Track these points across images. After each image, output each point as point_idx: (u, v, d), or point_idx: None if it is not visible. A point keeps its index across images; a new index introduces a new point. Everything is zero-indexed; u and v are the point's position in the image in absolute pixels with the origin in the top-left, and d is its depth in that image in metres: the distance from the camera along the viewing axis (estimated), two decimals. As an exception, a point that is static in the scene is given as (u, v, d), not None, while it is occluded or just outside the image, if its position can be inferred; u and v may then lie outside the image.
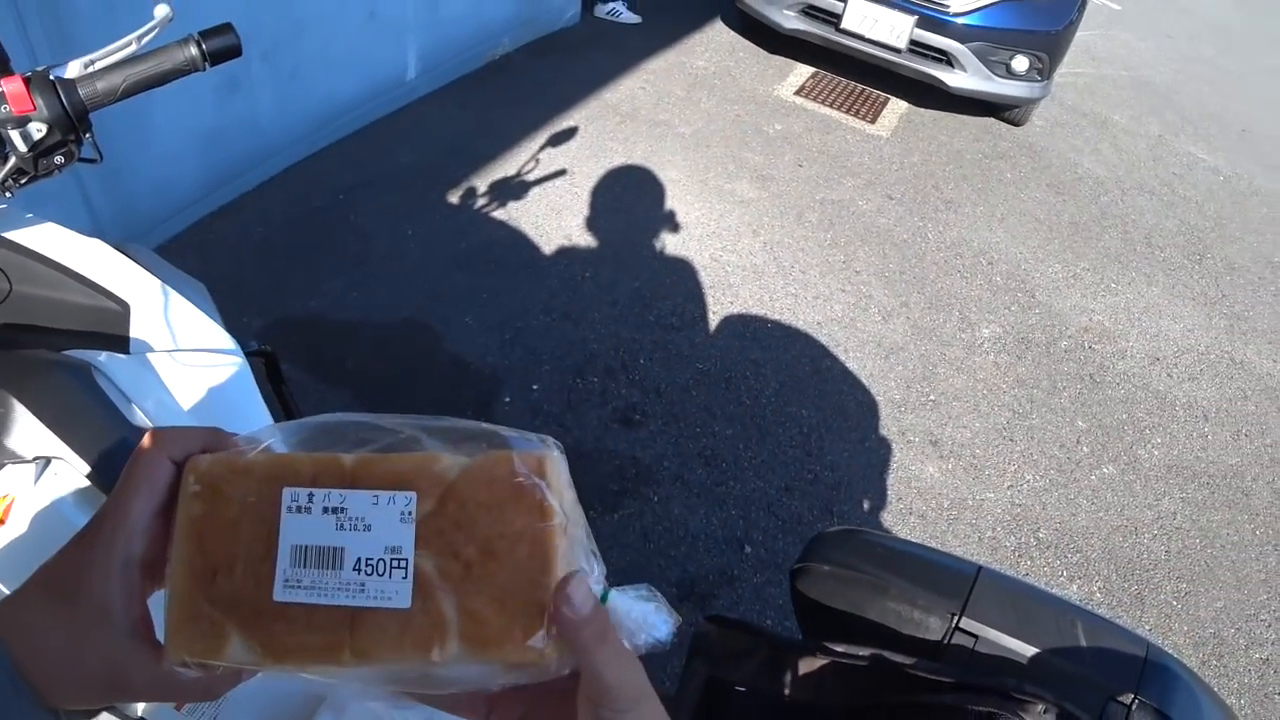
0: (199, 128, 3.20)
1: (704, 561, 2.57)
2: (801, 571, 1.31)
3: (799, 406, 3.12)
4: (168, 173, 3.14)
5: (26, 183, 0.96)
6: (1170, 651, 1.19)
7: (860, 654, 1.14)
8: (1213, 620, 2.81)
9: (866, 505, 2.86)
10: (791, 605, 1.38)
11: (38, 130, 0.90)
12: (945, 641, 1.20)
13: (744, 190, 4.21)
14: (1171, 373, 3.77)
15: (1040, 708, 1.02)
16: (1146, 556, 2.96)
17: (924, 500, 2.93)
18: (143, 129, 2.95)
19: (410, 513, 0.48)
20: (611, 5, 5.52)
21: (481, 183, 3.85)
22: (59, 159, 0.95)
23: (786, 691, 1.18)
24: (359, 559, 0.47)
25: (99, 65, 0.95)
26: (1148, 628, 2.73)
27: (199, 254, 3.19)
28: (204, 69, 0.98)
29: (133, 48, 0.96)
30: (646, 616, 0.51)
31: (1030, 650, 1.16)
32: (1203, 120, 6.57)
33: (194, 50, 0.99)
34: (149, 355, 1.08)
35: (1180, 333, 4.04)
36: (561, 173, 4.01)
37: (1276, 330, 4.27)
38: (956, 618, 1.20)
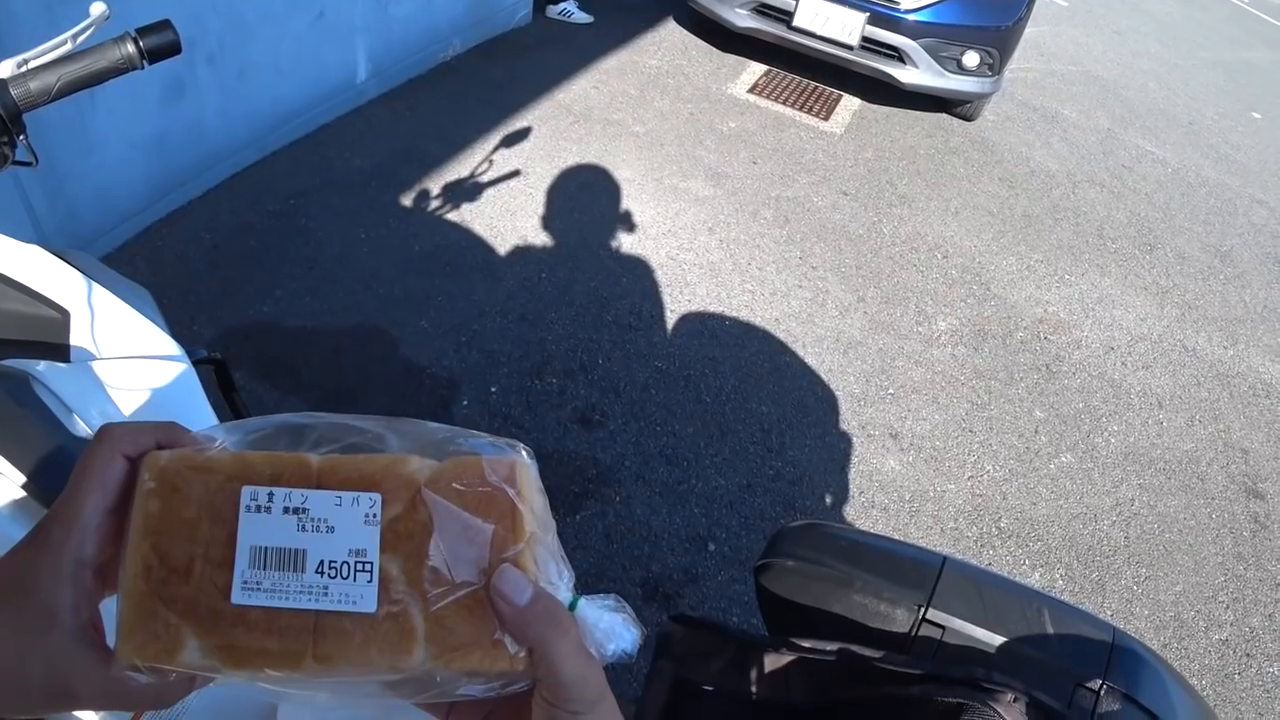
0: (143, 133, 3.13)
1: (668, 560, 2.55)
2: (765, 568, 1.30)
3: (759, 403, 3.11)
4: (112, 180, 3.07)
5: None
6: (1134, 636, 1.18)
7: (827, 649, 1.12)
8: (1173, 604, 2.84)
9: (829, 499, 2.85)
10: (756, 602, 1.36)
11: None
12: (912, 633, 1.19)
13: (699, 188, 4.20)
14: (1126, 361, 3.81)
15: (1010, 697, 1.01)
16: (1106, 543, 2.98)
17: (885, 493, 2.93)
18: (85, 135, 2.88)
19: (375, 515, 0.46)
20: (563, 5, 5.49)
21: (435, 185, 3.81)
22: None
23: (755, 690, 1.16)
24: (321, 561, 0.45)
25: (32, 65, 0.92)
26: (1110, 613, 2.75)
27: (147, 262, 3.12)
28: (142, 67, 0.94)
29: (68, 46, 0.93)
30: (614, 627, 0.50)
31: (998, 639, 1.15)
32: (1150, 114, 6.67)
33: (131, 48, 0.96)
34: (91, 364, 1.04)
35: (1133, 322, 4.09)
36: (515, 174, 3.98)
37: (1226, 318, 4.33)
38: (923, 609, 1.18)
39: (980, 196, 4.77)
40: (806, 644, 1.13)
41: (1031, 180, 5.09)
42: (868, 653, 1.08)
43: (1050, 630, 1.17)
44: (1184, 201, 5.39)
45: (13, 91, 0.90)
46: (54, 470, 0.89)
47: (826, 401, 3.21)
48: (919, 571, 1.23)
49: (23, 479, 0.87)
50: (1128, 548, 2.98)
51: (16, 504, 0.86)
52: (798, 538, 1.32)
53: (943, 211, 4.53)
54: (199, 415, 1.13)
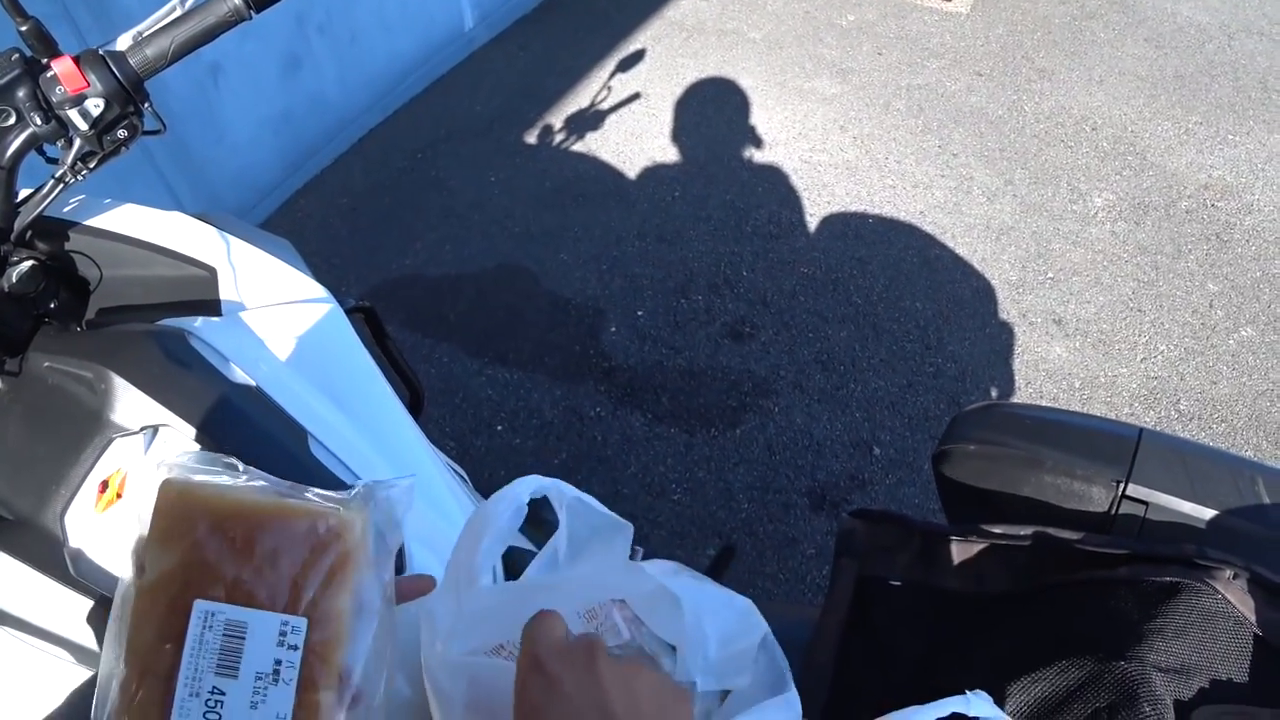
0: (269, 111, 3.22)
1: (833, 468, 2.51)
2: (944, 455, 1.24)
3: (912, 300, 3.02)
4: (246, 160, 3.18)
5: (97, 164, 0.95)
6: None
7: (1021, 534, 1.07)
8: (1377, 476, 2.65)
9: (994, 393, 2.76)
10: (936, 493, 1.31)
11: (95, 106, 0.89)
12: (1112, 512, 1.13)
13: (825, 87, 4.06)
14: (1305, 221, 3.54)
15: (1229, 573, 0.94)
16: (1297, 418, 2.80)
17: (1054, 382, 2.81)
18: (215, 122, 2.98)
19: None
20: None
21: (556, 120, 3.80)
22: (122, 133, 0.94)
23: (944, 581, 1.12)
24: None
25: (147, 34, 0.94)
26: (1308, 489, 2.59)
27: (290, 233, 3.16)
28: (249, 17, 0.95)
29: (177, 11, 0.94)
30: None
31: (1208, 513, 1.08)
32: (1308, -51, 6.11)
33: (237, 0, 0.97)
34: (242, 314, 1.08)
35: (1309, 178, 3.78)
36: (635, 97, 3.93)
37: None
38: (1122, 485, 1.12)
39: (1126, 61, 4.46)
40: (998, 530, 1.08)
41: (1180, 37, 4.73)
42: (1066, 535, 1.03)
43: (1265, 499, 1.09)
44: (1355, 41, 4.93)
45: (131, 61, 0.92)
46: (220, 419, 0.93)
47: (983, 292, 3.09)
48: (1114, 445, 1.15)
49: (193, 431, 0.91)
50: (1322, 423, 2.80)
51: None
52: (977, 420, 1.26)
53: (1086, 81, 4.26)
54: (353, 354, 1.16)
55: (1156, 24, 4.83)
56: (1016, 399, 2.74)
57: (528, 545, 1.46)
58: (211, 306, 1.07)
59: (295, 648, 0.48)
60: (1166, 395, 2.82)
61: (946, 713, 0.63)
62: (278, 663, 0.47)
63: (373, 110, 3.77)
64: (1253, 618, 0.92)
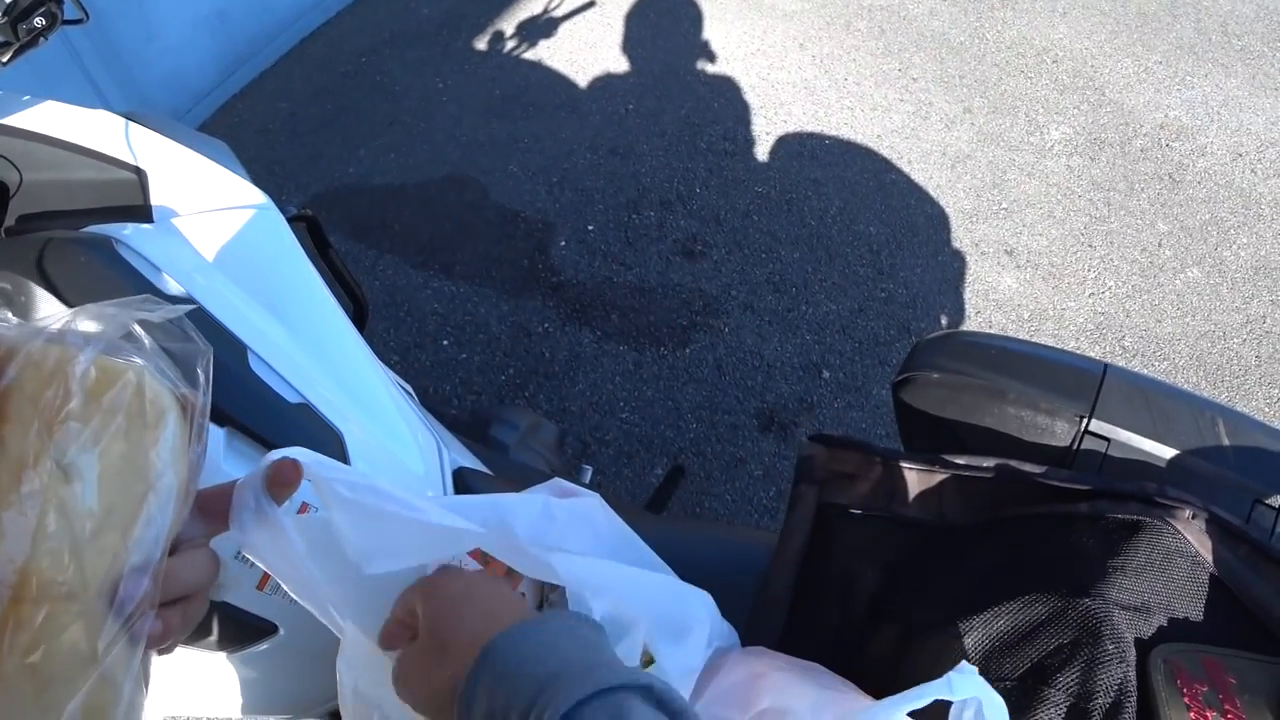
0: (205, 10, 3.07)
1: (781, 390, 2.49)
2: (906, 382, 1.21)
3: (866, 224, 2.98)
4: (179, 62, 3.03)
5: (12, 56, 0.86)
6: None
7: (984, 465, 1.04)
8: (1309, 421, 2.71)
9: (944, 320, 2.75)
10: (884, 419, 1.29)
11: None
12: (1074, 447, 1.11)
13: (786, 3, 3.96)
14: (1255, 169, 3.55)
15: (1188, 513, 0.93)
16: (1236, 362, 2.83)
17: (1003, 312, 2.81)
18: (146, 20, 2.83)
19: None
20: None
21: (508, 25, 3.66)
22: (40, 21, 0.85)
23: (903, 511, 1.09)
24: None
25: None
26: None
27: (228, 139, 3.03)
28: None
29: None
30: None
31: (1169, 452, 1.06)
32: (1273, -111, 6.08)
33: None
34: (175, 221, 1.00)
35: (1263, 126, 3.78)
36: (590, 4, 3.80)
37: (1367, 113, 4.00)
38: (1085, 420, 1.10)
39: (1090, -6, 4.42)
40: (960, 460, 1.05)
41: (1145, -27, 4.70)
42: (1028, 468, 1.00)
43: (1225, 442, 1.08)
44: (1317, -13, 4.93)
45: None
46: None
47: (936, 219, 3.06)
48: (1079, 379, 1.13)
49: None
50: (1259, 367, 2.83)
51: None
52: (940, 348, 1.23)
53: (1050, 12, 4.22)
54: (293, 263, 1.10)
55: (1122, -42, 4.78)
56: (966, 327, 2.74)
57: (480, 466, 1.41)
58: (142, 212, 0.99)
59: None
60: (1112, 331, 2.83)
61: (928, 700, 0.60)
62: None
63: (314, 11, 3.61)
64: (1209, 557, 0.91)
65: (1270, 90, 3.99)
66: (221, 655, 0.96)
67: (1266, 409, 2.72)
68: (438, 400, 2.42)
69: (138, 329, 0.44)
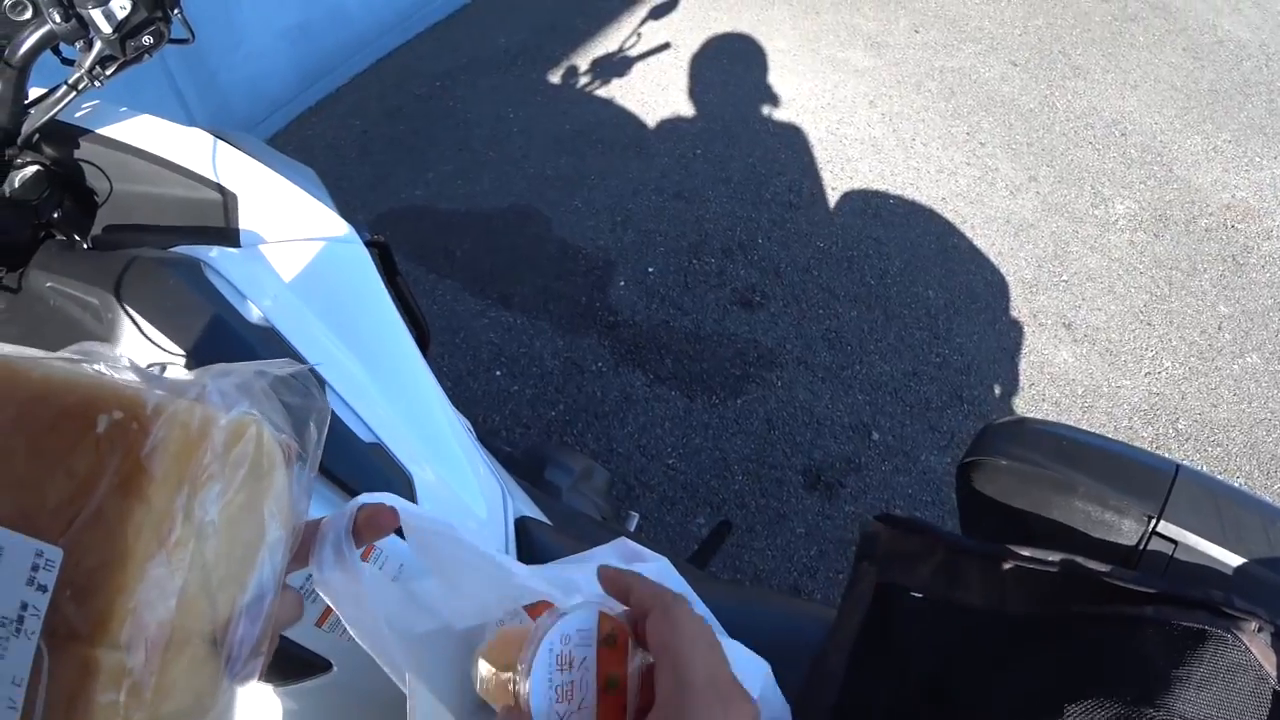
0: (288, 22, 3.13)
1: (830, 448, 2.49)
2: (973, 466, 1.22)
3: (925, 287, 2.99)
4: (260, 70, 3.09)
5: (115, 70, 0.87)
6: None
7: (1049, 559, 1.04)
8: (1365, 517, 2.66)
9: (997, 390, 2.74)
10: (930, 486, 1.29)
11: (121, 8, 0.81)
12: (1141, 547, 1.10)
13: (858, 59, 3.99)
14: (1321, 253, 3.52)
15: (1254, 625, 0.92)
16: (1293, 451, 2.80)
17: (1057, 386, 2.79)
18: (231, 28, 2.89)
19: None
20: None
21: (582, 61, 3.71)
22: (147, 39, 0.86)
23: (963, 598, 1.10)
24: None
25: None
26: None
27: (299, 151, 3.14)
28: None
29: None
30: None
31: (1236, 560, 1.06)
32: (1355, -27, 6.04)
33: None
34: (261, 247, 1.01)
35: (1331, 209, 3.76)
36: (665, 46, 3.84)
37: None
38: (1154, 521, 1.09)
39: (1162, 68, 4.40)
40: (1025, 552, 1.05)
41: (1219, 50, 4.67)
42: (1095, 566, 1.00)
43: (1296, 553, 1.07)
44: (1392, 74, 4.89)
45: None
46: (228, 359, 0.86)
47: (996, 287, 3.06)
48: (1150, 479, 1.13)
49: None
50: (1316, 456, 2.80)
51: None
52: (1011, 435, 1.24)
53: (1120, 85, 4.21)
54: (375, 296, 1.10)
55: (1197, 34, 4.77)
56: (1019, 400, 2.72)
57: (538, 512, 1.42)
58: (229, 235, 1.00)
59: (44, 588, 0.35)
60: (1166, 412, 2.80)
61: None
62: (24, 606, 0.35)
63: (394, 31, 3.67)
64: (1274, 673, 0.90)
65: (1341, 176, 3.96)
66: (269, 688, 0.96)
67: (1319, 501, 2.68)
68: (487, 432, 2.44)
69: (263, 384, 0.46)
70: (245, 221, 1.02)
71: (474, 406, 2.52)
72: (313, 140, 3.22)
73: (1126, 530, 1.11)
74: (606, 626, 0.54)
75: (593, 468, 1.92)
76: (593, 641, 0.53)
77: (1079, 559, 1.02)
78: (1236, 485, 1.19)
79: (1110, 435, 2.63)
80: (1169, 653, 0.91)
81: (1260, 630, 0.91)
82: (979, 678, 1.02)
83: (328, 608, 0.93)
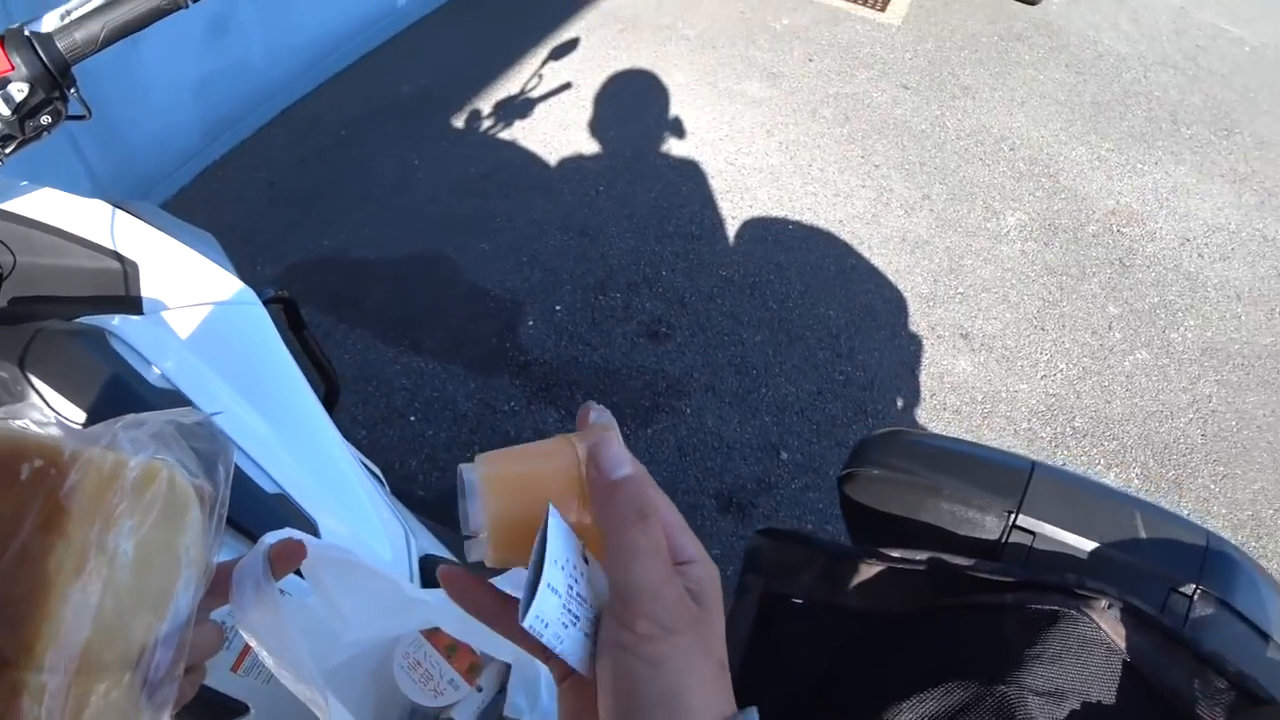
0: (191, 75, 3.12)
1: (741, 471, 2.55)
2: (850, 477, 1.29)
3: (826, 308, 3.08)
4: (164, 125, 3.08)
5: (15, 149, 0.90)
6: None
7: (918, 558, 1.11)
8: (1250, 502, 2.79)
9: (900, 403, 2.83)
10: (839, 511, 1.36)
11: (19, 91, 0.85)
12: (1003, 540, 1.18)
13: (754, 90, 4.10)
14: (1203, 253, 3.69)
15: (1104, 603, 1.00)
16: (1183, 441, 2.93)
17: (957, 395, 2.89)
18: (133, 82, 2.88)
19: None
20: (605, -93, 5.32)
21: (485, 105, 3.77)
22: (45, 119, 0.89)
23: (844, 601, 1.16)
24: None
25: (76, 15, 0.90)
26: (1187, 512, 2.71)
27: (206, 205, 3.15)
28: (186, 6, 0.91)
29: None
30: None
31: (1090, 545, 1.14)
32: (1224, -14, 6.34)
33: (175, -14, 0.93)
34: (163, 313, 1.05)
35: (1210, 212, 3.94)
36: (566, 86, 3.91)
37: (1310, 202, 4.17)
38: (1013, 515, 1.17)
39: (1047, 84, 4.59)
40: (896, 554, 1.12)
41: (1100, 65, 4.88)
42: (959, 561, 1.07)
43: (1143, 534, 1.15)
44: (1263, 82, 5.13)
45: (59, 44, 0.88)
46: None
47: (895, 303, 3.16)
48: (1008, 477, 1.21)
49: None
50: (1205, 445, 2.93)
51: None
52: (882, 446, 1.31)
53: (1008, 102, 4.38)
54: (275, 356, 1.14)
55: (1079, 50, 4.98)
56: (921, 410, 2.82)
57: (446, 552, 1.46)
58: (132, 303, 1.04)
59: None
60: (1063, 412, 2.92)
61: None
62: None
63: (299, 81, 3.68)
64: (1123, 645, 0.97)
65: (1216, 177, 4.15)
66: None
67: (1212, 485, 2.80)
68: (403, 478, 2.46)
69: (171, 430, 0.50)
70: (147, 288, 1.05)
71: (390, 453, 2.54)
72: (220, 194, 3.22)
73: (989, 526, 1.19)
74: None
75: (504, 505, 1.95)
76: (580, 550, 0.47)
77: (945, 556, 1.09)
78: (1086, 476, 1.27)
79: (1010, 437, 2.75)
80: (1025, 634, 0.98)
81: (1110, 607, 0.99)
82: (857, 673, 1.08)
83: (243, 652, 0.97)
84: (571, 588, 0.44)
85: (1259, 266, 3.69)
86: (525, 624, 0.42)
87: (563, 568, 0.43)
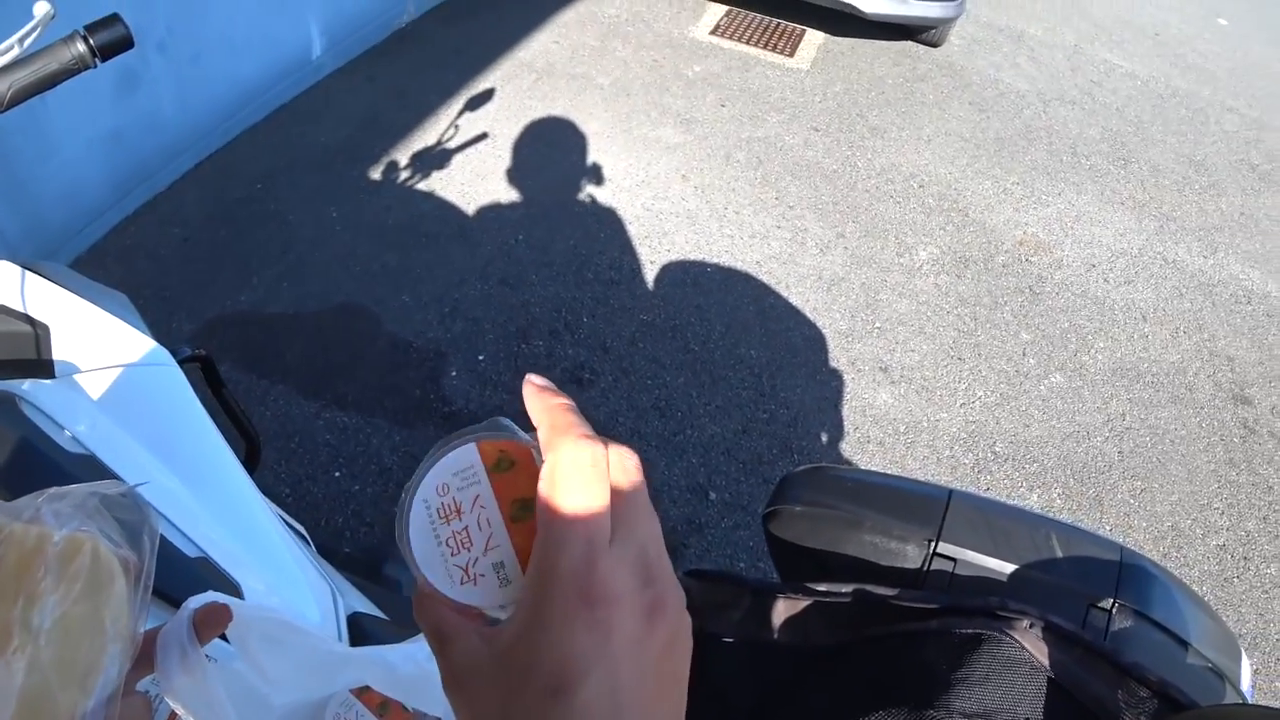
0: (101, 129, 3.06)
1: (670, 512, 2.55)
2: (773, 515, 1.30)
3: (747, 348, 3.11)
4: (74, 180, 3.01)
5: None
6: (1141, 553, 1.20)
7: (842, 591, 1.12)
8: (1169, 514, 2.87)
9: (824, 438, 2.86)
10: (766, 549, 1.36)
11: None
12: (925, 569, 1.20)
13: (669, 136, 4.16)
14: (1108, 278, 3.82)
15: (1026, 623, 1.01)
16: (1101, 459, 3.01)
17: (880, 427, 2.94)
18: (41, 137, 2.81)
19: None
20: (515, -39, 5.38)
21: (402, 155, 3.76)
22: None
23: (773, 637, 1.17)
24: None
25: None
26: (1109, 528, 2.78)
27: (119, 262, 3.08)
28: (94, 65, 0.91)
29: (15, 51, 0.89)
30: None
31: (1009, 567, 1.16)
32: (1116, 26, 6.63)
33: (81, 47, 0.92)
34: (76, 377, 1.02)
35: (1113, 237, 4.09)
36: (483, 136, 3.93)
37: (1204, 227, 4.34)
38: (933, 543, 1.19)
39: (952, 122, 4.74)
40: (821, 587, 1.13)
41: (1002, 102, 5.06)
42: (882, 591, 1.08)
43: (1059, 554, 1.18)
44: (1155, 113, 5.37)
45: None
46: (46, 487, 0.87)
47: (814, 340, 3.21)
48: (926, 506, 1.23)
49: None
50: (1122, 462, 3.01)
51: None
52: (803, 482, 1.32)
53: (915, 140, 4.51)
54: (189, 417, 1.12)
55: (980, 89, 5.15)
56: (846, 444, 2.85)
57: (374, 609, 1.43)
58: (43, 366, 1.01)
59: None
60: (984, 438, 2.98)
61: None
62: None
63: (212, 135, 3.63)
64: (1046, 662, 0.99)
65: (1117, 204, 4.31)
66: None
67: (1132, 500, 2.88)
68: (330, 534, 2.42)
69: (95, 502, 0.49)
70: (58, 351, 1.02)
71: (315, 510, 2.49)
72: (133, 249, 3.15)
73: (911, 555, 1.21)
74: (493, 454, 0.44)
75: (432, 558, 1.92)
76: (480, 476, 0.43)
77: (870, 587, 1.10)
78: (1002, 500, 1.30)
79: (934, 466, 2.79)
80: (950, 658, 0.99)
81: (1031, 626, 1.00)
82: (788, 708, 1.08)
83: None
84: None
85: (1162, 288, 3.83)
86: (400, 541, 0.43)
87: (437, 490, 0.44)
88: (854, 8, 4.93)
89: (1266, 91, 6.21)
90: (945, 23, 5.23)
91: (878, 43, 5.45)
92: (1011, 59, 5.63)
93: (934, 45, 5.53)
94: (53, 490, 0.49)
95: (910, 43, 5.55)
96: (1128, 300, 3.71)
